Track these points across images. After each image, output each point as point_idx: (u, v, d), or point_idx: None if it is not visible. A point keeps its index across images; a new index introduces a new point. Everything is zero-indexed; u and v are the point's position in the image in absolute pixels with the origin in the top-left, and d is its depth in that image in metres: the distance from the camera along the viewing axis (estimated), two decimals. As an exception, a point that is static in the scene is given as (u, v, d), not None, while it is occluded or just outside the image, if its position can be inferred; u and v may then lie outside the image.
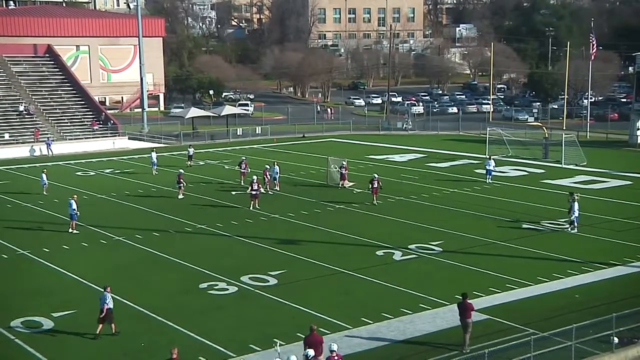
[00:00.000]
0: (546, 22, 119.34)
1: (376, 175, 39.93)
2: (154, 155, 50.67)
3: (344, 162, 44.61)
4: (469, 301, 20.78)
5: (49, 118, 67.95)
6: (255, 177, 39.44)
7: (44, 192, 42.45)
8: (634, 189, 43.44)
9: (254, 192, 38.16)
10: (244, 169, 44.85)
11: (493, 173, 44.97)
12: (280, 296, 24.85)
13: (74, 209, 33.72)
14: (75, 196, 35.03)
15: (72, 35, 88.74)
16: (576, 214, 32.84)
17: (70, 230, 33.75)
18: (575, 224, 32.95)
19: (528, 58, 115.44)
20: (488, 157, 47.44)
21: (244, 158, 46.84)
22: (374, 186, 39.02)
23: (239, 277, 26.79)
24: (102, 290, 22.07)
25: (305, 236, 32.79)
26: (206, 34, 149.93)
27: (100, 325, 21.61)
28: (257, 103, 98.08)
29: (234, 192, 41.97)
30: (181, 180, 41.36)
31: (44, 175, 43.16)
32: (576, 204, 32.90)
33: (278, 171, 43.67)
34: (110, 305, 21.63)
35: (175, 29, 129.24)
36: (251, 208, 37.89)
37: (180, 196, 41.03)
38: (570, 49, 73.44)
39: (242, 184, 43.75)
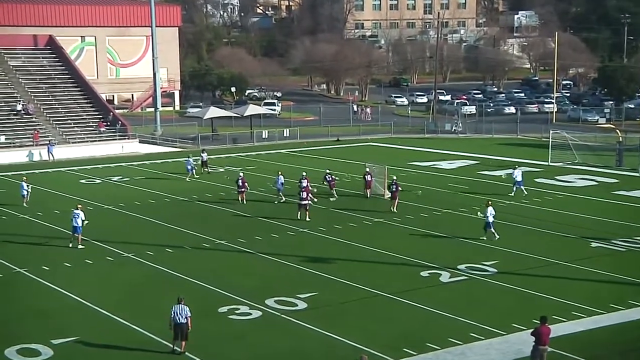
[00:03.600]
0: (621, 8, 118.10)
1: (395, 178, 40.52)
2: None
3: (368, 169, 44.84)
4: (548, 326, 20.90)
5: (49, 118, 69.01)
6: (304, 183, 39.60)
7: (24, 204, 42.55)
8: None
9: (303, 202, 38.58)
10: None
11: (522, 185, 44.23)
12: (310, 322, 24.85)
13: (83, 220, 33.93)
14: (81, 206, 35.42)
15: (77, 25, 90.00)
16: (490, 220, 33.95)
17: (77, 245, 33.87)
18: (489, 229, 34.07)
19: (599, 50, 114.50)
20: (514, 167, 46.22)
21: (304, 174, 42.78)
22: (393, 191, 39.17)
23: (264, 300, 26.88)
24: (177, 302, 22.64)
25: (339, 254, 32.79)
26: (227, 23, 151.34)
27: (184, 343, 22.28)
28: (285, 102, 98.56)
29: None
30: (245, 184, 42.73)
31: (24, 184, 43.40)
32: (490, 208, 34.06)
33: (283, 182, 43.08)
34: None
35: (192, 18, 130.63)
36: (299, 217, 38.34)
37: (244, 201, 42.45)
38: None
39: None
